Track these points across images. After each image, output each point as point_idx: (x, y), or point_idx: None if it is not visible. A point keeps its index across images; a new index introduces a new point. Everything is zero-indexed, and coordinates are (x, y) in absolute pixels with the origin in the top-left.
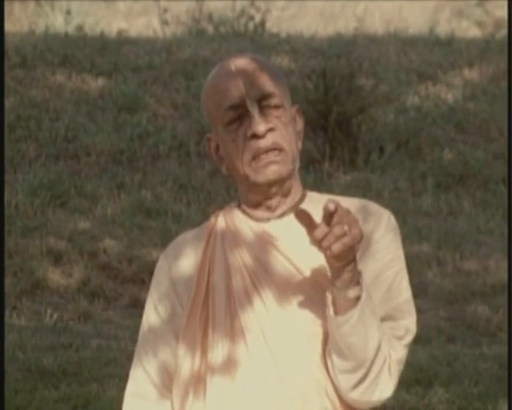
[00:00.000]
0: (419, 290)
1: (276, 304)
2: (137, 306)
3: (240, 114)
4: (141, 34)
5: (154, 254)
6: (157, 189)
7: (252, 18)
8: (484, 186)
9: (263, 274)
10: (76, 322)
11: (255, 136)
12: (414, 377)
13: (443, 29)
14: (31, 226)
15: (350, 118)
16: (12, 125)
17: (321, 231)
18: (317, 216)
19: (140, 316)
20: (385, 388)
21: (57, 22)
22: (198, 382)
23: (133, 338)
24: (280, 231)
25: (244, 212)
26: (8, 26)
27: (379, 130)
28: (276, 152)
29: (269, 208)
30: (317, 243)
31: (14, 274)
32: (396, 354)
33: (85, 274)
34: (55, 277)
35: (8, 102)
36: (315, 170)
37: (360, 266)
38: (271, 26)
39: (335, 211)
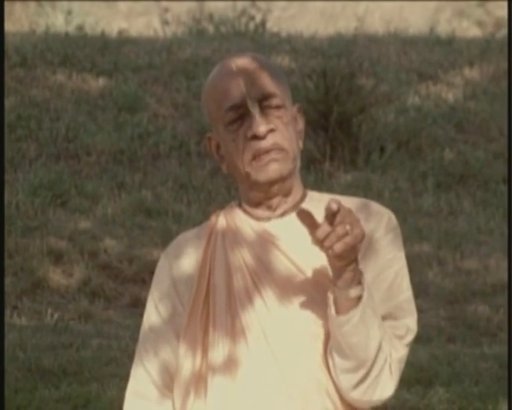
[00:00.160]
0: (419, 290)
1: (277, 303)
2: (138, 305)
3: (240, 114)
4: (141, 34)
5: (154, 253)
6: (157, 188)
7: (252, 18)
8: (484, 186)
9: (264, 273)
10: (76, 322)
11: (256, 136)
12: (414, 377)
13: (443, 29)
14: (31, 226)
15: (350, 118)
16: (12, 124)
17: (323, 230)
18: (318, 215)
19: (141, 316)
20: (386, 387)
21: (58, 22)
22: (199, 381)
23: (134, 338)
24: (281, 230)
25: (245, 211)
26: (9, 26)
27: (379, 130)
28: (277, 151)
29: (269, 208)
30: (319, 242)
31: (15, 274)
32: (397, 353)
33: (86, 274)
34: (55, 276)
35: (9, 102)
36: (315, 170)
37: (361, 266)
38: (272, 25)
39: (338, 211)
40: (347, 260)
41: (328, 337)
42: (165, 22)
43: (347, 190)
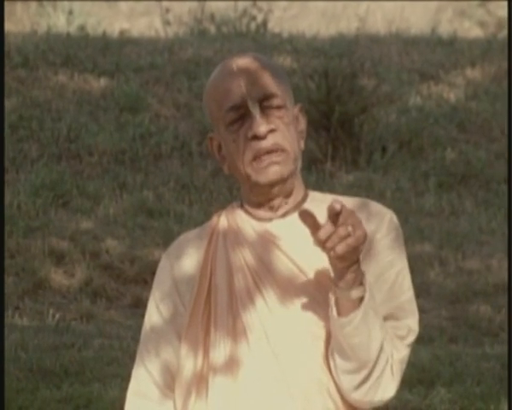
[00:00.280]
0: (421, 290)
1: (278, 304)
2: (140, 306)
3: (241, 115)
4: (143, 34)
5: (156, 254)
6: (159, 189)
7: (254, 18)
8: (486, 186)
9: (265, 274)
10: (78, 322)
11: (256, 137)
12: (416, 377)
13: (445, 29)
14: (33, 226)
15: (352, 118)
16: (14, 125)
17: (325, 231)
18: (320, 216)
19: (142, 316)
20: (387, 388)
21: (59, 22)
22: (200, 381)
23: (135, 338)
24: (282, 230)
25: (246, 211)
26: (10, 27)
27: (381, 130)
28: (278, 153)
29: (271, 208)
30: (321, 243)
31: (17, 274)
32: (398, 353)
33: (87, 274)
34: (57, 277)
35: (10, 103)
36: (317, 170)
37: (362, 267)
38: (273, 26)
39: (340, 211)
40: (349, 262)
41: (329, 338)
42: (166, 22)
43: (349, 191)
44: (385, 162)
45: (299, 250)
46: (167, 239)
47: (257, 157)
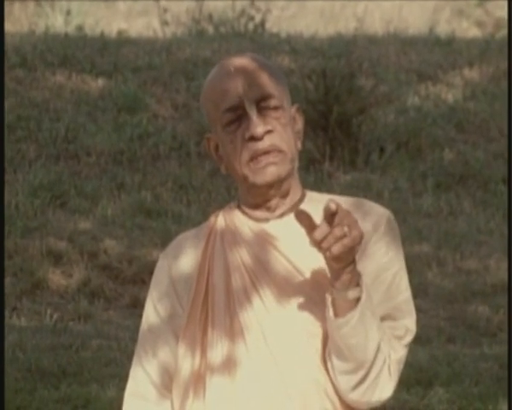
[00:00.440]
0: (419, 290)
1: (275, 304)
2: (138, 306)
3: (238, 116)
4: (141, 34)
5: (154, 254)
6: (157, 189)
7: (252, 18)
8: (484, 186)
9: (262, 274)
10: (76, 322)
11: (253, 138)
12: (414, 378)
13: (443, 29)
14: (31, 227)
15: (350, 118)
16: (12, 125)
17: (320, 232)
18: (317, 216)
19: (140, 316)
20: (385, 388)
21: (57, 22)
22: (198, 381)
23: (133, 338)
24: (279, 231)
25: (244, 212)
26: (8, 27)
27: (379, 130)
28: (275, 153)
29: (268, 209)
30: (317, 244)
31: (15, 274)
32: (396, 354)
33: (85, 274)
34: (55, 277)
35: (8, 103)
36: (315, 170)
37: (359, 267)
38: (271, 26)
39: (336, 211)
40: (345, 262)
41: (326, 337)
42: (164, 23)
43: (347, 191)
44: (383, 162)
45: (296, 250)
46: (165, 239)
47: (254, 158)
